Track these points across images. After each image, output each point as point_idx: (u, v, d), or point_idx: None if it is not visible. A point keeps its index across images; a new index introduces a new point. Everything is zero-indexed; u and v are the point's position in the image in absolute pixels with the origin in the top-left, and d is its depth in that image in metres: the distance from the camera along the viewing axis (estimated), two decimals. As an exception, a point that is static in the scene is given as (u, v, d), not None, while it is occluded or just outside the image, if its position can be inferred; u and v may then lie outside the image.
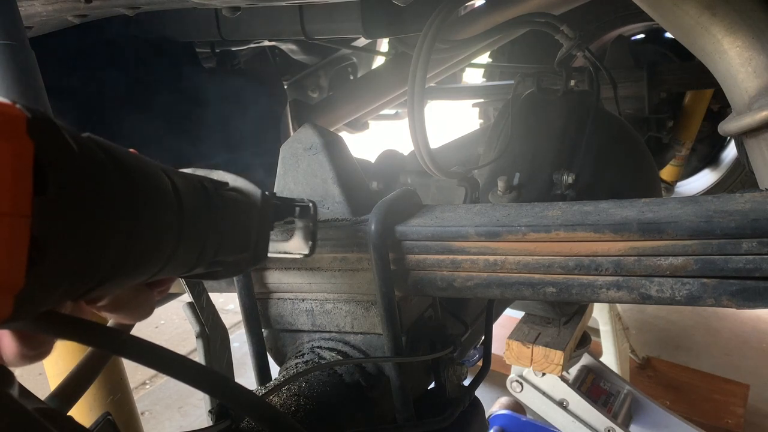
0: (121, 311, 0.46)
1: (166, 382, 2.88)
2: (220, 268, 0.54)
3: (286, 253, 0.68)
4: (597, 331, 2.30)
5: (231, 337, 0.81)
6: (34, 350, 0.40)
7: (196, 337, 0.77)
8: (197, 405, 2.70)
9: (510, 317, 1.80)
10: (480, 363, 0.90)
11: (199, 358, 0.77)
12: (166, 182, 0.43)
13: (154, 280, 0.45)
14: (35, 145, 0.30)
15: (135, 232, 0.38)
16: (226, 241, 0.51)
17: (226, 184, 0.55)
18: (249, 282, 0.78)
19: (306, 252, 0.67)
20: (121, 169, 0.38)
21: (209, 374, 0.46)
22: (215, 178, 0.55)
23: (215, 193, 0.51)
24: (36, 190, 0.30)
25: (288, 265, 0.76)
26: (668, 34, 2.36)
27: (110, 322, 0.57)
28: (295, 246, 0.67)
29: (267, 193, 0.59)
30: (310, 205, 0.65)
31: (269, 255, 0.61)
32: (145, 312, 0.48)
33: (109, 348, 0.41)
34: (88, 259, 0.34)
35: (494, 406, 1.89)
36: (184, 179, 0.46)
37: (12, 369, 0.43)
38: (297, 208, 0.65)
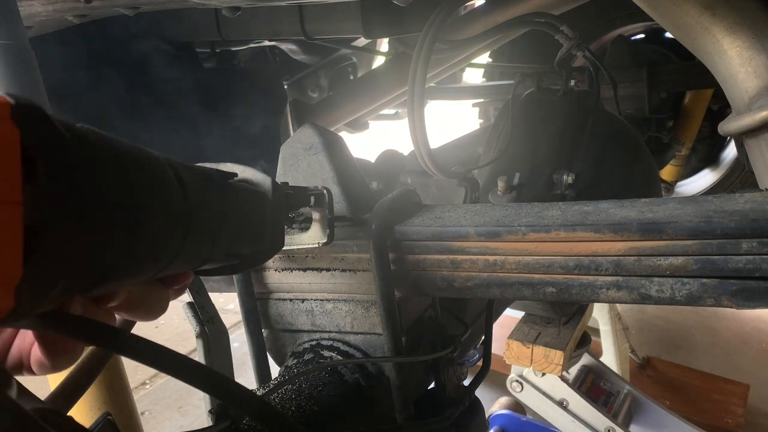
0: (135, 310, 0.46)
1: (166, 382, 2.88)
2: (236, 260, 0.54)
3: (304, 243, 0.68)
4: (597, 331, 2.30)
5: (231, 337, 0.81)
6: (60, 356, 0.40)
7: (196, 337, 0.77)
8: (197, 405, 2.70)
9: (510, 317, 1.80)
10: (480, 363, 0.90)
11: (199, 358, 0.77)
12: (168, 173, 0.42)
13: (166, 274, 0.44)
14: (21, 131, 0.29)
15: (137, 222, 0.37)
16: (239, 231, 0.51)
17: (235, 174, 0.55)
18: (249, 282, 0.77)
19: (324, 240, 0.66)
20: (119, 158, 0.37)
21: (209, 374, 0.46)
22: (223, 169, 0.54)
23: (224, 184, 0.50)
24: (26, 177, 0.29)
25: (288, 264, 0.76)
26: (668, 34, 2.36)
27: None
28: (313, 236, 0.67)
29: (279, 182, 0.59)
30: (325, 192, 0.65)
31: (287, 247, 0.61)
32: (159, 310, 0.48)
33: (110, 346, 0.41)
34: (87, 248, 0.34)
35: (494, 406, 1.89)
36: (190, 170, 0.46)
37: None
38: (312, 197, 0.65)
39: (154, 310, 0.47)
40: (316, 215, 0.66)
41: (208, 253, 0.47)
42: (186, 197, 0.43)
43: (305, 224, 0.68)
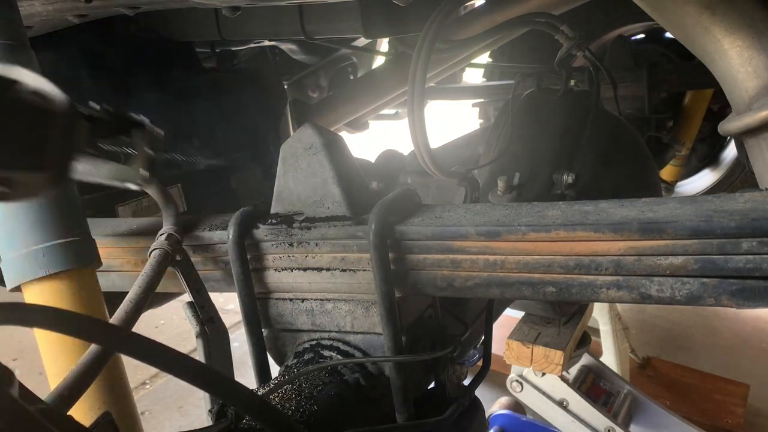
0: None
1: (166, 382, 2.88)
2: (6, 188, 0.44)
3: (117, 178, 0.60)
4: (597, 331, 2.30)
5: (231, 337, 0.81)
6: None
7: (196, 337, 0.77)
8: (197, 405, 2.70)
9: (510, 317, 1.80)
10: (480, 363, 0.90)
11: (199, 357, 0.77)
12: None
13: None
14: None
15: None
16: (9, 154, 0.42)
17: (13, 82, 0.43)
18: (249, 282, 0.78)
19: (146, 175, 0.59)
20: None
21: (210, 373, 0.46)
22: (2, 74, 0.43)
23: None
24: None
25: (288, 264, 0.76)
26: (668, 34, 2.36)
27: None
28: (128, 172, 0.59)
29: (97, 107, 0.51)
30: (146, 122, 0.57)
31: (94, 179, 0.53)
32: None
33: (112, 345, 0.41)
34: None
35: (494, 406, 1.88)
36: None
37: (12, 368, 0.43)
38: (131, 129, 0.57)
39: None
40: (135, 150, 0.58)
41: None
42: None
43: (126, 158, 0.59)
